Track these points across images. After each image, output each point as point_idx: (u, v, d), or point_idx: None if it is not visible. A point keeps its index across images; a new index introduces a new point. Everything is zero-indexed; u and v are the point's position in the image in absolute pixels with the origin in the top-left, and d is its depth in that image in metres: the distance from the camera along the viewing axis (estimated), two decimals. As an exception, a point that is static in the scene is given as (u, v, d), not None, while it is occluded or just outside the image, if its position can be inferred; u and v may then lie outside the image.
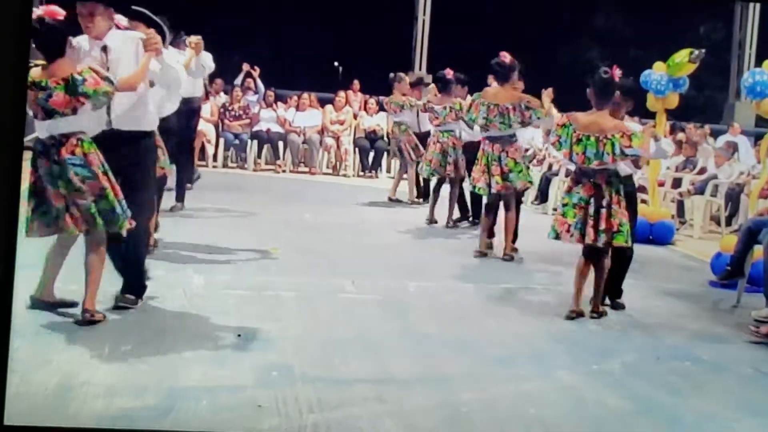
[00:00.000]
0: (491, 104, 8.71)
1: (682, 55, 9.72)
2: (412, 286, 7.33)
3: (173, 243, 8.04)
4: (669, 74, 9.86)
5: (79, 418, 4.21)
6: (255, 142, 15.28)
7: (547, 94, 8.67)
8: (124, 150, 5.78)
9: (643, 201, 11.07)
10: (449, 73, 10.76)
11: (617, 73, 6.62)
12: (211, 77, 16.03)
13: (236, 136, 15.25)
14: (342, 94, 16.11)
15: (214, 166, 14.95)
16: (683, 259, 9.67)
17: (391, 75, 12.43)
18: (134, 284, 6.02)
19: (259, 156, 15.31)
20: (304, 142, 15.50)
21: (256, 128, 15.36)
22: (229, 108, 15.38)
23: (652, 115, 10.23)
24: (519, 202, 9.15)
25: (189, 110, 8.87)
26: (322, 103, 15.97)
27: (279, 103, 15.87)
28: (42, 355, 4.99)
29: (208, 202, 10.79)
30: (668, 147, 7.13)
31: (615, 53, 17.28)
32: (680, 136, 14.09)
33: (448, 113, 10.56)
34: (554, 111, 8.61)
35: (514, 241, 8.78)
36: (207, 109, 14.98)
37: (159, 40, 5.67)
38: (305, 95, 15.82)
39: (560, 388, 5.19)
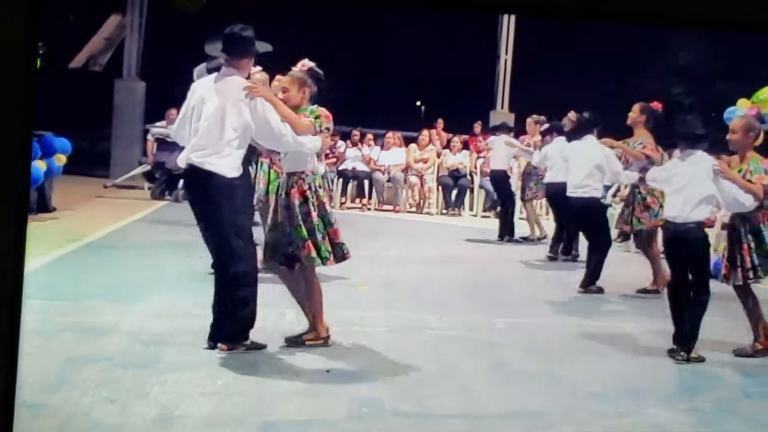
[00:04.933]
0: None
1: (767, 92, 9.61)
2: (501, 323, 7.36)
3: (266, 277, 8.21)
4: (753, 111, 9.75)
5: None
6: (341, 180, 15.50)
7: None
8: None
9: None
10: None
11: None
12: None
13: (322, 174, 15.51)
14: (425, 132, 16.26)
15: (301, 204, 15.19)
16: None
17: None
18: None
19: (344, 194, 15.51)
20: (388, 181, 15.66)
21: (342, 167, 15.59)
22: (316, 147, 15.66)
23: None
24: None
25: None
26: (406, 142, 16.15)
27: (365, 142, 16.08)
28: (141, 387, 5.13)
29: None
30: None
31: (701, 89, 17.12)
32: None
33: None
34: None
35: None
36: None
37: None
38: (390, 134, 16.01)
39: (653, 425, 5.16)
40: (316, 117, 6.13)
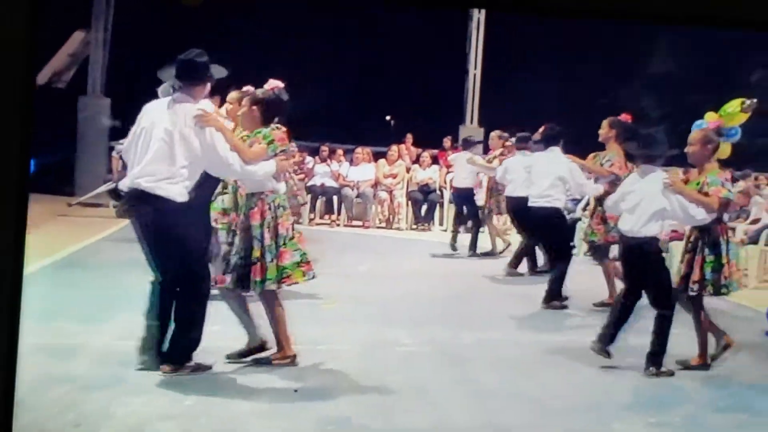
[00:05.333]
0: None
1: (734, 105, 9.62)
2: (469, 338, 7.33)
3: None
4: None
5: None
6: (309, 196, 15.42)
7: None
8: None
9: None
10: None
11: None
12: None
13: (291, 190, 15.44)
14: (394, 147, 16.23)
15: (270, 221, 15.10)
16: (738, 309, 9.53)
17: None
18: None
19: (313, 210, 15.44)
20: (357, 196, 15.62)
21: (310, 183, 15.52)
22: (284, 163, 15.59)
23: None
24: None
25: None
26: (376, 157, 16.12)
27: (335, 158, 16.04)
28: (106, 410, 5.07)
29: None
30: None
31: (672, 100, 17.16)
32: (740, 185, 13.94)
33: None
34: None
35: None
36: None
37: None
38: (359, 149, 15.96)
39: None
40: (270, 141, 6.06)
